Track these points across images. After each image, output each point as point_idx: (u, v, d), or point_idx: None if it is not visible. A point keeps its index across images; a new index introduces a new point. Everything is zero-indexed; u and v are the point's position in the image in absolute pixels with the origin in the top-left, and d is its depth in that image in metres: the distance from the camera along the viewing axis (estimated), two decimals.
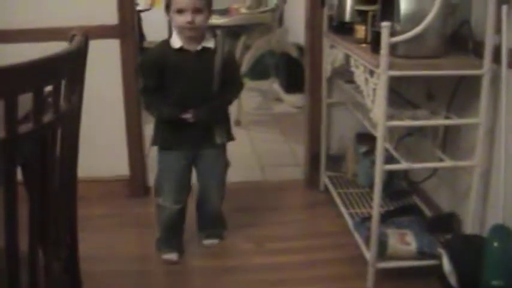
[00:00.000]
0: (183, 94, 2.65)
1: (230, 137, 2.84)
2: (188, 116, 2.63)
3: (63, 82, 1.39)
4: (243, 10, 5.42)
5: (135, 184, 3.60)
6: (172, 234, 2.89)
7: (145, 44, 6.13)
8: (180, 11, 2.54)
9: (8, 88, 1.15)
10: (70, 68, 1.43)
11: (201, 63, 2.65)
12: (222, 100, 2.74)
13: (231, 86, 2.75)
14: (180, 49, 2.62)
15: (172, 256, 2.85)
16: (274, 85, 6.10)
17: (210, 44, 2.66)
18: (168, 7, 2.60)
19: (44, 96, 1.29)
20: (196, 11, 2.53)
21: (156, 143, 2.80)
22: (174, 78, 2.63)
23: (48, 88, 1.32)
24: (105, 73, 3.25)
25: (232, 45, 5.38)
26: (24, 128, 1.24)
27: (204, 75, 2.66)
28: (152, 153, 4.05)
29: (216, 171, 2.87)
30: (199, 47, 2.63)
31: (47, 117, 1.32)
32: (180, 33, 2.61)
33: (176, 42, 2.62)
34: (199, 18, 2.54)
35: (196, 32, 2.59)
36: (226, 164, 2.90)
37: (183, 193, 2.83)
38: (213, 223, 3.02)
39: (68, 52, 1.40)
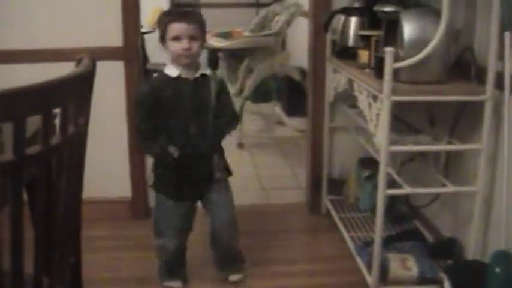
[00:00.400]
0: (182, 123, 2.61)
1: (229, 172, 2.79)
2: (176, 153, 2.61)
3: (71, 105, 1.40)
4: (246, 33, 5.44)
5: (137, 206, 3.60)
6: (174, 266, 2.86)
7: (149, 66, 6.16)
8: (176, 38, 2.53)
9: (16, 111, 1.16)
10: (78, 90, 1.44)
11: (199, 90, 2.63)
12: (221, 131, 2.72)
13: (227, 116, 2.72)
14: (178, 78, 2.60)
15: (176, 284, 2.84)
16: (276, 108, 6.12)
17: (206, 71, 2.67)
18: (163, 37, 2.59)
19: (51, 118, 1.30)
20: (192, 37, 2.53)
21: (154, 187, 2.77)
22: (172, 107, 2.59)
23: (55, 110, 1.33)
24: (109, 95, 3.26)
25: (234, 68, 5.41)
26: (31, 150, 1.24)
27: (202, 102, 2.63)
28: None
29: (225, 208, 2.79)
30: (197, 74, 2.62)
31: (54, 140, 1.33)
32: (177, 61, 2.59)
33: (173, 71, 2.60)
34: (195, 45, 2.54)
35: (192, 59, 2.59)
36: (232, 198, 2.83)
37: (183, 235, 2.81)
38: (233, 260, 2.93)
39: (76, 75, 1.41)
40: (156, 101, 2.59)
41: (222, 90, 2.70)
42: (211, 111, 2.64)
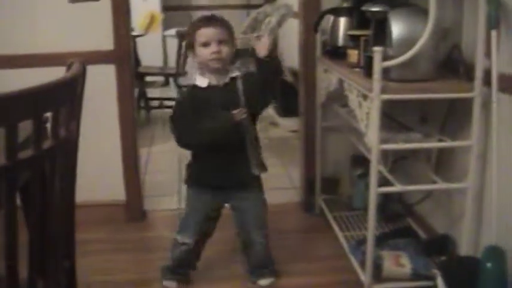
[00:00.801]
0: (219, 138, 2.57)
1: (264, 167, 2.75)
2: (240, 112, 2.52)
3: (62, 109, 1.41)
4: (238, 35, 5.45)
5: (131, 209, 3.61)
6: (181, 267, 2.85)
7: (141, 69, 6.17)
8: (205, 44, 2.51)
9: (8, 115, 1.17)
10: (69, 95, 1.45)
11: (229, 94, 2.57)
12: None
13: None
14: (208, 86, 2.58)
15: (172, 284, 2.84)
16: (269, 109, 6.13)
17: (236, 72, 2.63)
18: (190, 45, 2.58)
19: (43, 122, 1.31)
20: (221, 42, 2.52)
21: (187, 181, 2.77)
22: (204, 116, 2.55)
23: (46, 114, 1.35)
24: (100, 98, 3.27)
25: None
26: (23, 154, 1.26)
27: (233, 105, 2.56)
28: (148, 178, 4.09)
29: (255, 212, 2.80)
30: (226, 79, 2.59)
31: (46, 144, 1.34)
32: (206, 68, 2.57)
33: (202, 81, 2.58)
34: (225, 49, 2.53)
35: (222, 63, 2.55)
36: (264, 203, 2.84)
37: (202, 237, 2.81)
38: (264, 264, 2.92)
39: (67, 79, 1.42)
40: (191, 108, 2.57)
41: (248, 79, 2.63)
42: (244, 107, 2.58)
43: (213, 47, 2.50)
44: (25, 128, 1.26)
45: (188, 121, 2.57)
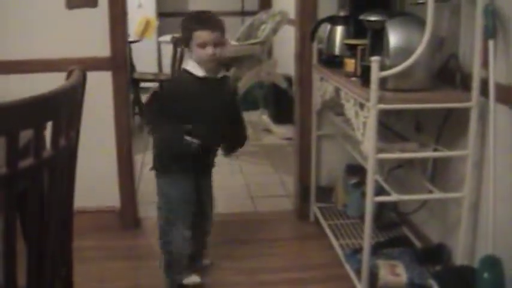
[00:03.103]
0: (203, 121, 2.70)
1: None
2: (195, 141, 2.66)
3: (63, 118, 1.40)
4: (233, 42, 5.46)
5: (125, 216, 3.60)
6: (185, 259, 2.87)
7: (135, 75, 6.15)
8: (202, 45, 2.62)
9: (9, 125, 1.17)
10: (69, 103, 1.45)
11: (222, 89, 2.77)
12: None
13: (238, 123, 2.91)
14: (204, 77, 2.69)
15: (194, 279, 2.90)
16: (263, 116, 6.13)
17: (226, 72, 2.83)
18: (186, 41, 2.68)
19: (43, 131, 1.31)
20: (216, 44, 2.63)
21: (157, 168, 2.83)
22: (196, 103, 2.68)
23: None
24: (97, 105, 3.25)
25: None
26: (24, 163, 1.25)
27: (224, 101, 2.78)
28: (142, 185, 4.07)
29: (210, 189, 2.98)
30: (220, 75, 2.75)
31: (46, 153, 1.34)
32: (202, 64, 2.68)
33: (198, 71, 2.68)
34: (219, 51, 2.64)
35: (216, 63, 2.70)
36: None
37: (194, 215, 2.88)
38: (204, 244, 3.05)
39: (68, 88, 1.41)
40: (179, 96, 2.69)
41: (234, 91, 2.89)
42: (226, 110, 2.79)
43: (209, 50, 2.62)
44: (22, 135, 1.26)
45: (162, 117, 2.71)
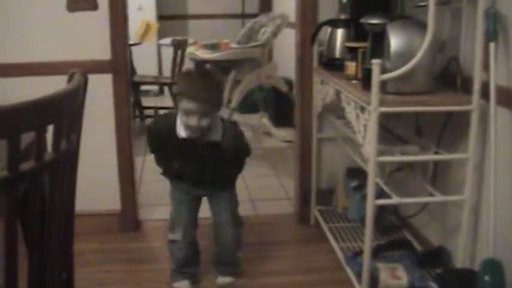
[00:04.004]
0: (189, 162, 2.73)
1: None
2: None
3: (64, 121, 1.40)
4: (233, 45, 5.46)
5: (126, 219, 3.60)
6: (185, 265, 2.91)
7: (136, 78, 6.16)
8: (187, 113, 2.55)
9: (10, 128, 1.17)
10: (71, 106, 1.45)
11: (207, 152, 2.67)
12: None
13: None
14: (186, 138, 2.65)
15: (183, 285, 2.89)
16: (263, 119, 6.12)
17: (217, 136, 2.68)
18: (177, 99, 2.71)
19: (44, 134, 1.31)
20: (203, 114, 2.55)
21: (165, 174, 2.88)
22: (178, 160, 2.72)
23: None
24: (97, 108, 3.24)
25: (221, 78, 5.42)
26: (25, 166, 1.25)
27: (210, 162, 2.71)
28: (143, 187, 4.07)
29: (226, 206, 2.90)
30: (204, 140, 2.66)
31: (47, 156, 1.34)
32: (185, 128, 2.62)
33: (182, 131, 2.64)
34: (205, 121, 2.56)
35: (201, 133, 2.62)
36: (236, 203, 2.98)
37: (191, 230, 2.89)
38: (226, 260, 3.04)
39: (69, 91, 1.41)
40: (166, 139, 2.71)
41: (235, 147, 2.74)
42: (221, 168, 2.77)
43: (193, 120, 2.55)
44: (25, 137, 1.26)
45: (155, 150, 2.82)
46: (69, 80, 1.54)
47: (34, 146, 1.26)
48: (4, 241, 1.26)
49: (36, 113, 1.23)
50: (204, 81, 2.63)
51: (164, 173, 2.87)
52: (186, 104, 2.54)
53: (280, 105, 5.68)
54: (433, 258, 2.80)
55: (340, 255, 3.02)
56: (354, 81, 2.73)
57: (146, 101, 6.67)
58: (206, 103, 2.54)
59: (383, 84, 2.35)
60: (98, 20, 3.30)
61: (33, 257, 1.41)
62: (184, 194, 2.84)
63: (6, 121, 1.16)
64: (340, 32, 3.12)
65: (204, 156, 2.68)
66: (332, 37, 3.15)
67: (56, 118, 1.33)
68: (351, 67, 2.81)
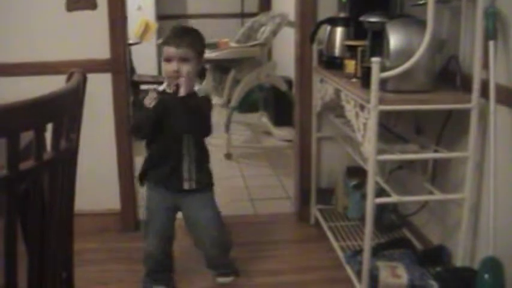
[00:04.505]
0: (166, 137, 2.68)
1: (201, 185, 2.78)
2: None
3: (64, 120, 1.40)
4: (232, 44, 5.46)
5: (126, 218, 3.59)
6: (159, 272, 2.89)
7: (135, 77, 6.15)
8: (167, 60, 2.59)
9: (10, 127, 1.16)
10: (70, 105, 1.45)
11: (183, 108, 2.60)
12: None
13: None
14: (165, 92, 2.64)
15: None
16: (263, 118, 6.13)
17: (195, 88, 2.68)
18: (161, 46, 2.67)
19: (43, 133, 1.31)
20: (183, 60, 2.57)
21: (142, 179, 2.83)
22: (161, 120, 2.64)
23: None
24: (96, 107, 3.26)
25: (221, 79, 5.42)
26: (24, 165, 1.25)
27: (184, 118, 2.62)
28: (142, 188, 4.06)
29: (204, 214, 2.80)
30: (183, 93, 2.60)
31: (47, 155, 1.34)
32: (166, 79, 2.64)
33: (163, 86, 2.66)
34: (185, 68, 2.57)
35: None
36: (218, 211, 2.85)
37: (166, 239, 2.84)
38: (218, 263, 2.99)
39: (68, 90, 1.41)
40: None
41: (203, 104, 2.68)
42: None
43: (174, 65, 2.57)
44: (24, 136, 1.25)
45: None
46: (68, 79, 1.54)
47: (33, 145, 1.26)
48: (4, 240, 1.26)
49: (35, 111, 1.23)
50: (184, 29, 2.73)
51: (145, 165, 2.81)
52: (166, 50, 2.59)
53: (279, 104, 5.68)
54: (433, 257, 2.80)
55: (340, 254, 3.02)
56: (354, 80, 2.73)
57: None
58: (184, 46, 2.57)
59: (382, 83, 2.35)
60: (97, 20, 3.30)
61: (33, 256, 1.41)
62: (160, 203, 2.79)
63: (4, 120, 1.15)
64: (339, 31, 3.12)
65: (181, 112, 2.58)
66: (331, 36, 3.15)
67: (55, 117, 1.33)
68: (351, 65, 2.81)
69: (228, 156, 5.10)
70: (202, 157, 2.77)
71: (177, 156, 2.69)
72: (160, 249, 2.82)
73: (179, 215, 2.85)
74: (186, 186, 2.73)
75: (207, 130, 2.69)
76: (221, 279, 2.97)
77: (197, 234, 2.85)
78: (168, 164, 2.70)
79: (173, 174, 2.71)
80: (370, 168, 2.41)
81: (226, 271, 2.98)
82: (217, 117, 6.46)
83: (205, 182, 2.79)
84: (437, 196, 2.68)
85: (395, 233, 3.23)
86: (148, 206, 2.85)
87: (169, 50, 2.58)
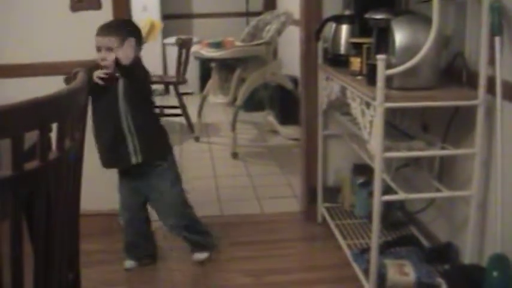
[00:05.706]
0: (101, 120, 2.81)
1: (148, 155, 2.88)
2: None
3: (68, 120, 1.40)
4: (238, 43, 5.46)
5: None
6: (131, 248, 3.08)
7: None
8: (97, 49, 2.72)
9: (15, 127, 1.16)
10: (74, 105, 1.44)
11: (112, 92, 2.77)
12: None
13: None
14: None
15: (127, 264, 3.08)
16: (269, 117, 6.13)
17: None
18: None
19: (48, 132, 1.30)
20: (109, 49, 2.69)
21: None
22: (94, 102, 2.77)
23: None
24: None
25: (227, 78, 5.41)
26: (29, 165, 1.25)
27: (113, 103, 2.79)
28: None
29: (161, 188, 2.95)
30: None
31: (52, 155, 1.33)
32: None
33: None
34: (111, 56, 2.68)
35: (112, 68, 2.71)
36: (177, 178, 3.01)
37: (136, 219, 3.05)
38: (189, 237, 3.10)
39: (73, 89, 1.41)
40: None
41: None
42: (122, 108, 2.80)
43: (101, 54, 2.71)
44: (29, 136, 1.25)
45: None
46: (73, 79, 1.54)
47: (38, 144, 1.26)
48: (10, 241, 1.26)
49: (39, 111, 1.23)
50: (114, 20, 2.93)
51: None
52: (95, 40, 2.71)
53: (285, 102, 5.67)
54: (441, 254, 2.79)
55: (348, 252, 3.01)
56: (359, 77, 2.72)
57: None
58: (110, 35, 2.69)
59: (388, 80, 2.34)
60: (102, 20, 3.26)
61: (39, 257, 1.40)
62: (123, 186, 3.02)
63: (9, 120, 1.15)
64: (344, 28, 3.11)
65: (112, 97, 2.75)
66: (337, 33, 3.15)
67: (60, 117, 1.33)
68: (356, 63, 2.80)
69: (234, 155, 5.09)
70: (145, 130, 2.85)
71: (119, 132, 2.80)
72: (130, 229, 3.05)
73: None
74: (133, 160, 2.84)
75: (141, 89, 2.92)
76: (195, 256, 3.10)
77: (156, 210, 3.05)
78: (112, 142, 2.82)
79: (119, 151, 2.83)
80: (377, 165, 2.41)
81: (199, 247, 3.10)
82: (223, 116, 6.48)
83: (155, 155, 2.91)
84: (445, 193, 2.67)
85: (402, 231, 3.23)
86: (119, 190, 3.06)
87: (98, 40, 2.71)
